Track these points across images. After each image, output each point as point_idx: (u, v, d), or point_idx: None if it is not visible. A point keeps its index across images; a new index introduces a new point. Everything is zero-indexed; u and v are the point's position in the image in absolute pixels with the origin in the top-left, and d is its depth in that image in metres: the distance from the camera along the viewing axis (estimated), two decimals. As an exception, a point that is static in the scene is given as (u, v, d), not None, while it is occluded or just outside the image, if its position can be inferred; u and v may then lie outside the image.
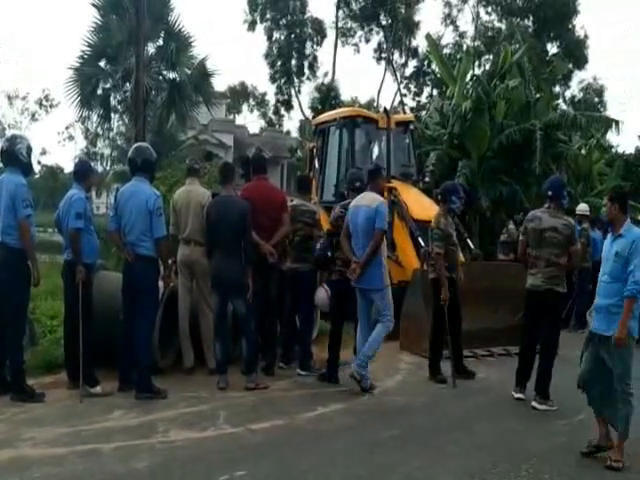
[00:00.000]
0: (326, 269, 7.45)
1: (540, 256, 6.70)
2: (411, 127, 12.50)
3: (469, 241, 10.80)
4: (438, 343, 7.52)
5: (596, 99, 44.65)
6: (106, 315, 6.56)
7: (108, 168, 28.85)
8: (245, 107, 54.99)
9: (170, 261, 6.91)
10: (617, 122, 17.18)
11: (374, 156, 12.38)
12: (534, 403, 6.60)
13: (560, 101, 36.52)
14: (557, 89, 32.65)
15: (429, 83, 42.24)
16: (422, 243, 9.43)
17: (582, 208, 12.70)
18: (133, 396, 6.17)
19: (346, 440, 5.43)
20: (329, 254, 7.25)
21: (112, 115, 20.54)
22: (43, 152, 62.49)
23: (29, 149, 6.23)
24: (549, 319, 6.78)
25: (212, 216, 6.86)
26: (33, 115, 50.12)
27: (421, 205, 10.57)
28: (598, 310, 5.31)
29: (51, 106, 50.47)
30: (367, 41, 42.93)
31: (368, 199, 6.88)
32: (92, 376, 6.23)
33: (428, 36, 21.34)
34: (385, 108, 13.10)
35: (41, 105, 50.41)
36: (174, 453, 4.91)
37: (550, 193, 6.81)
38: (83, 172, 6.64)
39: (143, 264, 6.29)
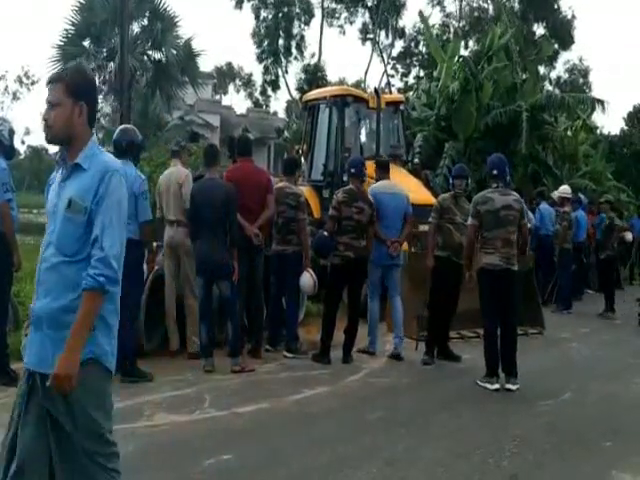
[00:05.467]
0: (327, 257, 7.53)
1: (497, 236, 6.64)
2: (401, 108, 12.46)
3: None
4: (436, 323, 7.55)
5: (581, 80, 44.62)
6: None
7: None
8: (232, 87, 54.65)
9: (155, 244, 6.87)
10: (603, 102, 17.22)
11: (363, 136, 12.36)
12: (509, 385, 6.57)
13: (546, 82, 36.53)
14: (542, 70, 32.58)
15: (416, 64, 42.09)
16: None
17: (564, 190, 12.70)
18: (118, 379, 6.13)
19: (332, 422, 5.45)
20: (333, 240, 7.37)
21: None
22: (27, 132, 61.93)
23: (11, 132, 6.12)
24: (507, 300, 6.69)
25: (197, 199, 6.80)
26: (15, 94, 49.50)
27: (408, 187, 10.55)
28: (36, 325, 2.78)
29: (32, 83, 49.83)
30: (351, 23, 42.74)
31: (393, 187, 7.95)
32: (77, 360, 6.18)
33: (421, 13, 21.26)
34: (375, 88, 13.07)
35: (22, 83, 49.75)
36: (159, 437, 4.91)
37: (495, 172, 6.80)
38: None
39: (127, 247, 6.21)
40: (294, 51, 42.97)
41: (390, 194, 7.78)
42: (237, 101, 72.49)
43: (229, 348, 6.90)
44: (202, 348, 6.83)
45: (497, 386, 6.58)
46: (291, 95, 42.53)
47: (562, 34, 39.37)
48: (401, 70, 43.63)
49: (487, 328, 6.82)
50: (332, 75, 45.49)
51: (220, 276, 6.71)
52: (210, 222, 6.66)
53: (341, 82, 39.58)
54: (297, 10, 42.41)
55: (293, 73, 44.49)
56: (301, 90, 35.76)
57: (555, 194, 13.16)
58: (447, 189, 13.46)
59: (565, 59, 43.67)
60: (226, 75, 52.96)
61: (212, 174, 6.98)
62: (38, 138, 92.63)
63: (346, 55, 79.72)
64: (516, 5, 39.34)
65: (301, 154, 11.93)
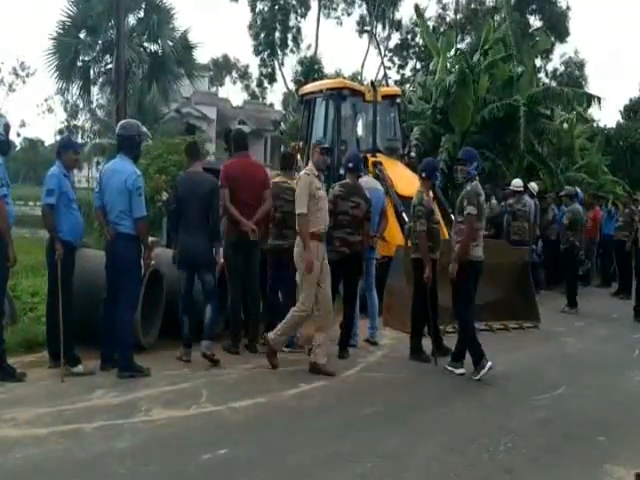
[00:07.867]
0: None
1: (482, 227, 6.94)
2: (397, 100, 12.45)
3: (453, 217, 10.82)
4: (420, 321, 7.54)
5: (577, 72, 44.54)
6: (88, 293, 6.52)
7: (89, 141, 28.48)
8: (228, 79, 54.52)
9: (151, 240, 6.86)
10: (599, 99, 17.21)
11: (360, 129, 12.35)
12: (451, 367, 6.94)
13: (542, 75, 36.49)
14: (538, 62, 32.49)
15: (413, 56, 42.02)
16: (406, 219, 9.44)
17: (516, 184, 12.44)
18: (115, 375, 6.15)
19: (328, 417, 5.47)
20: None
21: (92, 87, 20.34)
22: (22, 124, 61.71)
23: (7, 127, 6.09)
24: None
25: (180, 192, 6.89)
26: (10, 86, 49.37)
27: (406, 180, 10.55)
28: None
29: (28, 75, 49.72)
30: (349, 14, 42.67)
31: (376, 183, 8.55)
32: (73, 355, 6.18)
33: (417, 7, 21.23)
34: (372, 81, 13.05)
35: (17, 75, 49.63)
36: (156, 432, 4.92)
37: (479, 166, 7.10)
38: (58, 148, 6.54)
39: (124, 242, 6.24)
40: (290, 43, 42.94)
41: (374, 189, 8.06)
42: (233, 93, 72.34)
43: (204, 331, 6.75)
44: (183, 339, 6.81)
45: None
46: (288, 87, 42.54)
47: (558, 26, 39.27)
48: (398, 62, 43.60)
49: (469, 321, 6.86)
50: (329, 67, 45.39)
51: (203, 269, 6.77)
52: (193, 215, 6.73)
53: (338, 74, 39.45)
54: (293, 2, 42.33)
55: (290, 65, 44.32)
56: (298, 82, 35.67)
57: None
58: (445, 184, 13.52)
59: (561, 52, 43.67)
60: (222, 67, 52.82)
61: (196, 168, 7.07)
62: (34, 130, 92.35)
63: (343, 47, 79.52)
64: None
65: (298, 149, 11.91)
